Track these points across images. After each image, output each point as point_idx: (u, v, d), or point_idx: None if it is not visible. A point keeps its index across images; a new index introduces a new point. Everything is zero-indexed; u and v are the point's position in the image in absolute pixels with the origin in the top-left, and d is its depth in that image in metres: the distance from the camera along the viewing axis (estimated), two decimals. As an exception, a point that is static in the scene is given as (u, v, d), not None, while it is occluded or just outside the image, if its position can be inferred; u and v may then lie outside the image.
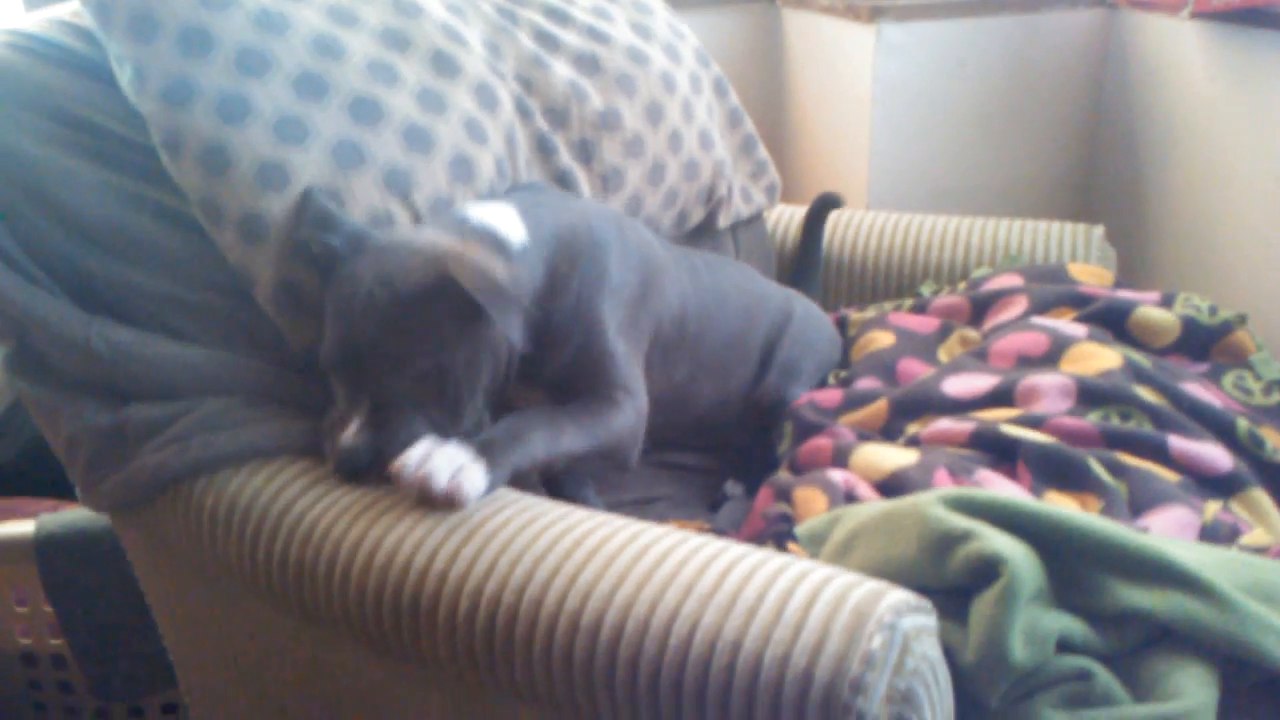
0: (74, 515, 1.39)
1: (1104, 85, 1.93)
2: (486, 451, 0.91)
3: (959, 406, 1.21)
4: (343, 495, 0.92)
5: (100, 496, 1.03)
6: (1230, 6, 1.57)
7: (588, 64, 1.36)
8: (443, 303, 0.93)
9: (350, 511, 0.90)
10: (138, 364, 1.01)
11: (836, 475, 1.05)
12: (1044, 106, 1.91)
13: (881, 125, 1.80)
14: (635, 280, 1.17)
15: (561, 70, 1.33)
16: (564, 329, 1.08)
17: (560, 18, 1.39)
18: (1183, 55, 1.78)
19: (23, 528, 1.40)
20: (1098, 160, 1.98)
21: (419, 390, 0.94)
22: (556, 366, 1.08)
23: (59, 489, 1.49)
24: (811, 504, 1.01)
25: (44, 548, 1.37)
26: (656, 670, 0.75)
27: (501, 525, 0.86)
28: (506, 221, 1.05)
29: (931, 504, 0.87)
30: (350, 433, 0.93)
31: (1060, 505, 0.93)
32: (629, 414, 1.08)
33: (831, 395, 1.32)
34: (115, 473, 1.00)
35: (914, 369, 1.33)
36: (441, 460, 0.88)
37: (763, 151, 1.60)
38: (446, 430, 0.95)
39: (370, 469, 0.92)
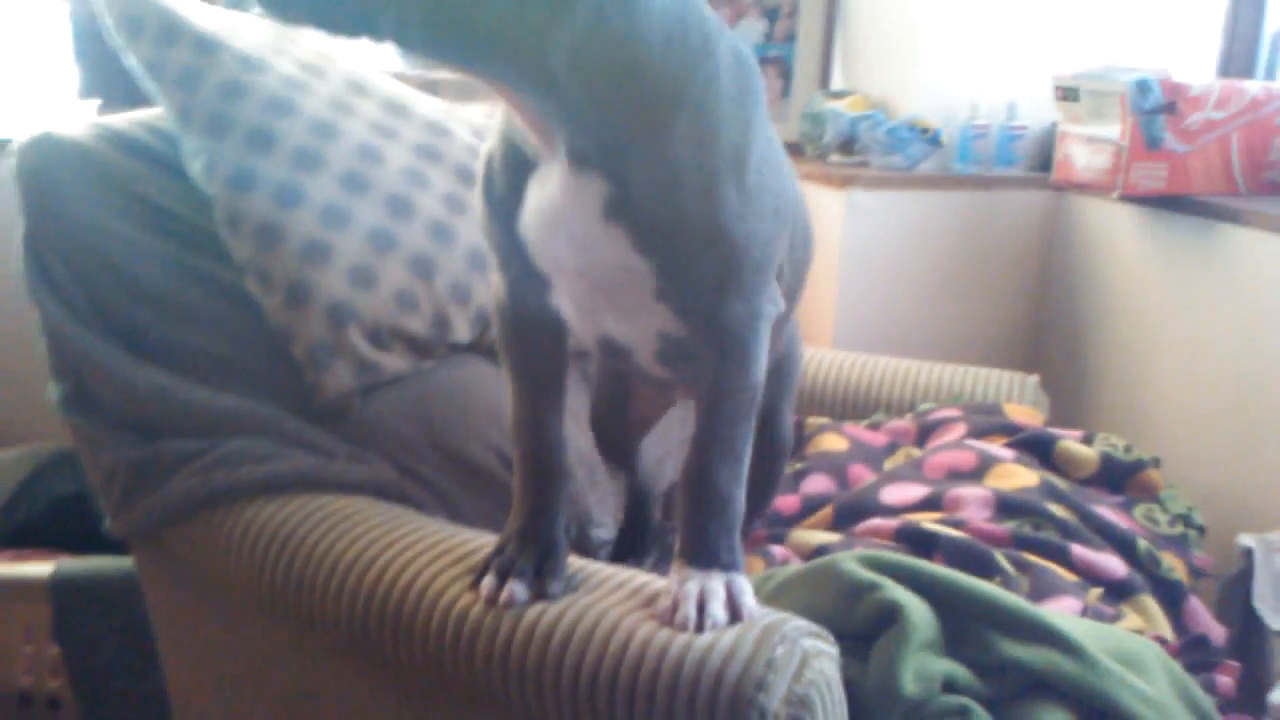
0: (90, 561, 1.52)
1: (1049, 254, 2.14)
2: (728, 565, 0.91)
3: (894, 511, 1.36)
4: (345, 524, 1.06)
5: (131, 520, 1.17)
6: (1153, 192, 1.79)
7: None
8: None
9: (348, 535, 1.04)
10: (176, 406, 1.17)
11: (775, 549, 1.20)
12: (996, 270, 2.11)
13: (848, 277, 2.00)
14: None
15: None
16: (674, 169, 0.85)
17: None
18: (1116, 232, 2.00)
19: (40, 569, 1.52)
20: (1043, 318, 2.17)
21: None
22: (655, 213, 0.85)
23: (76, 547, 1.63)
24: (751, 567, 1.16)
25: (60, 589, 1.50)
26: (596, 670, 0.88)
27: (477, 548, 1.00)
28: None
29: (846, 560, 1.01)
30: None
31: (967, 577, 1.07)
32: (765, 341, 0.94)
33: (790, 501, 1.46)
34: (147, 498, 1.14)
35: (862, 474, 1.48)
36: (715, 605, 0.88)
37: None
38: None
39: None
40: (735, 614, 0.89)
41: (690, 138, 0.84)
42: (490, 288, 1.03)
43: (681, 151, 0.84)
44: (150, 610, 1.29)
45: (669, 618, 0.88)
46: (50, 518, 1.77)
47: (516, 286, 0.96)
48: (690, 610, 0.87)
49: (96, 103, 1.92)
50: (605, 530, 1.41)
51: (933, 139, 2.00)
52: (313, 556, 1.03)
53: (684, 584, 0.90)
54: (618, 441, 1.32)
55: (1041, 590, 1.17)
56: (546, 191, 0.87)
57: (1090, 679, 0.94)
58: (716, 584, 0.90)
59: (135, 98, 1.32)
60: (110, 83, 1.84)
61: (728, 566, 0.91)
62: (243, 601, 1.12)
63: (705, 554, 0.91)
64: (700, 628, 0.87)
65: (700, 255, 0.87)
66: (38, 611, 1.52)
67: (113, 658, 1.48)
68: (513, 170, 0.90)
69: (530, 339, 0.98)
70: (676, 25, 0.82)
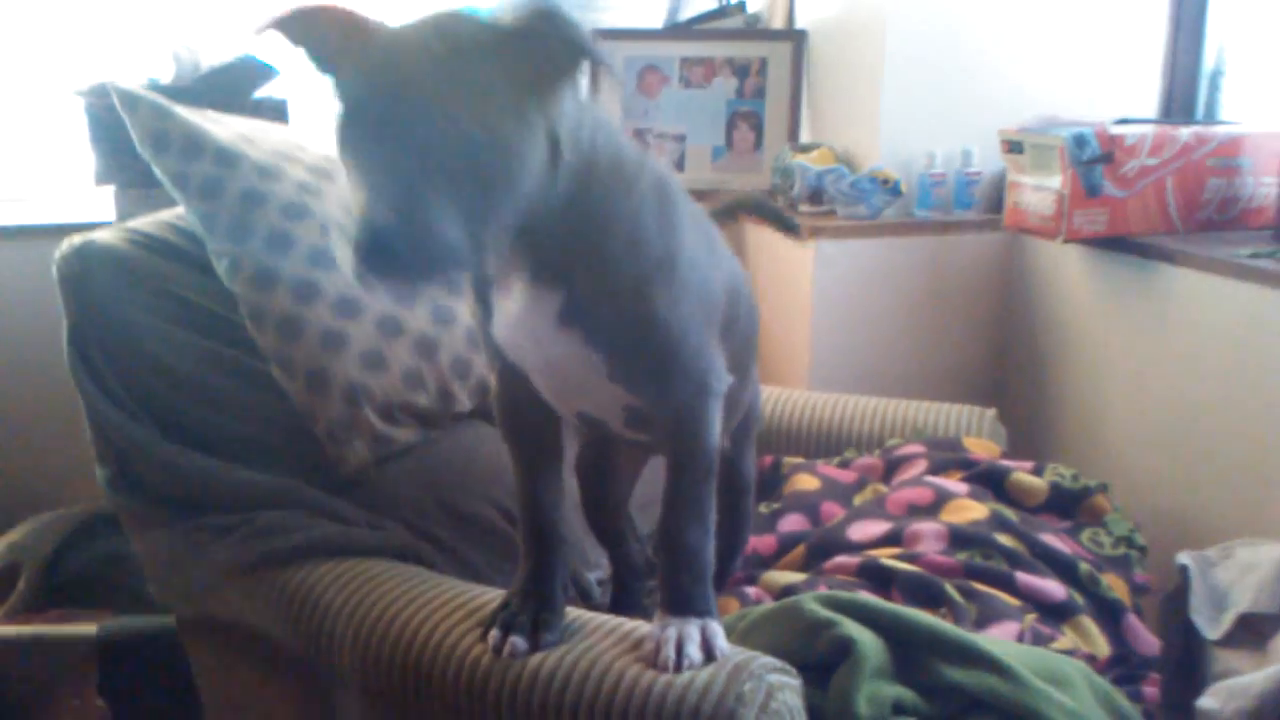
0: (133, 620, 1.66)
1: (1006, 293, 2.29)
2: (702, 611, 1.05)
3: (859, 548, 1.50)
4: (367, 585, 1.20)
5: (174, 589, 1.31)
6: (1094, 235, 1.94)
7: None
8: (503, 59, 0.86)
9: (371, 596, 1.18)
10: (213, 483, 1.31)
11: (749, 589, 1.35)
12: (957, 309, 2.26)
13: (820, 321, 2.15)
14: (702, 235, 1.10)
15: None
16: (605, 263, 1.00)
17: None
18: (1066, 271, 2.15)
19: (86, 629, 1.67)
20: (1002, 353, 2.31)
21: (457, 167, 0.83)
22: (599, 316, 1.00)
23: (117, 603, 1.77)
24: (727, 607, 1.30)
25: (105, 646, 1.64)
26: (591, 708, 1.02)
27: (486, 602, 1.15)
28: None
29: (807, 601, 1.16)
30: (371, 207, 0.81)
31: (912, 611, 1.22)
32: (716, 413, 1.08)
33: (768, 541, 1.61)
34: (190, 568, 1.29)
35: (833, 510, 1.63)
36: (691, 647, 1.01)
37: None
38: (476, 230, 0.85)
39: (403, 262, 0.81)
40: (709, 654, 1.03)
41: (623, 251, 1.00)
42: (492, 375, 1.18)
43: (618, 263, 1.00)
44: (192, 666, 1.43)
45: (652, 660, 1.03)
46: (89, 577, 1.90)
47: (504, 378, 1.12)
48: (670, 652, 1.02)
49: (112, 188, 2.06)
50: (600, 571, 1.55)
51: (893, 189, 2.15)
52: (340, 615, 1.18)
53: (664, 630, 1.04)
54: (602, 508, 1.45)
55: (987, 616, 1.31)
56: (510, 303, 1.03)
57: (1021, 697, 1.09)
58: (693, 629, 1.04)
59: (150, 181, 1.45)
60: (126, 168, 1.99)
61: (702, 613, 1.06)
62: (278, 657, 1.26)
63: (681, 603, 1.06)
64: (679, 668, 1.01)
65: (640, 345, 1.03)
66: (84, 667, 1.66)
67: (157, 711, 1.61)
68: (479, 287, 1.06)
69: (524, 421, 1.14)
70: (612, 164, 0.98)
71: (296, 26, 0.93)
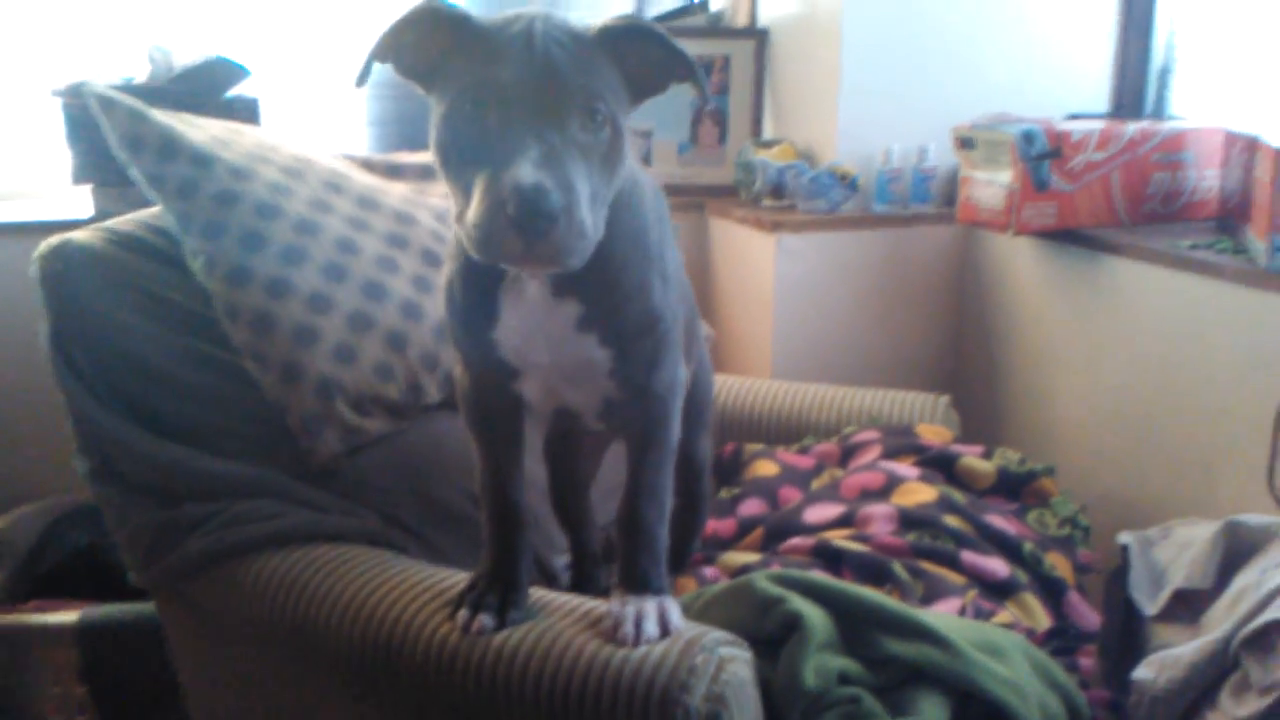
0: (113, 608, 1.71)
1: (961, 284, 2.36)
2: (658, 589, 1.11)
3: (813, 530, 1.57)
4: (341, 569, 1.26)
5: (154, 575, 1.36)
6: (1044, 228, 2.01)
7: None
8: (620, 57, 0.95)
9: (344, 580, 1.24)
10: (190, 474, 1.36)
11: (707, 570, 1.41)
12: (913, 301, 2.32)
13: (781, 313, 2.21)
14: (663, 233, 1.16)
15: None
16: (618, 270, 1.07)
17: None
18: (1017, 263, 2.22)
19: (67, 616, 1.71)
20: (957, 342, 2.39)
21: (592, 150, 0.90)
22: (614, 317, 1.09)
23: (95, 595, 1.81)
24: (685, 587, 1.37)
25: (86, 634, 1.68)
26: (552, 682, 1.08)
27: (453, 585, 1.20)
28: None
29: (759, 579, 1.22)
30: (527, 170, 0.85)
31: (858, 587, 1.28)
32: (680, 402, 1.18)
33: (728, 525, 1.67)
34: (169, 555, 1.33)
35: (792, 495, 1.69)
36: (649, 624, 1.08)
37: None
38: (598, 196, 0.92)
39: (559, 210, 0.85)
40: (665, 630, 1.10)
41: (631, 251, 1.08)
42: (456, 370, 1.24)
43: (627, 264, 1.08)
44: (172, 651, 1.48)
45: (611, 635, 1.09)
46: (70, 568, 1.94)
47: (481, 378, 1.18)
48: (630, 629, 1.09)
49: (89, 186, 2.10)
50: (567, 556, 1.61)
51: (851, 184, 2.21)
52: (314, 599, 1.23)
53: (623, 608, 1.11)
54: (567, 494, 1.53)
55: (933, 593, 1.38)
56: (525, 309, 1.09)
57: (957, 666, 1.15)
58: (649, 606, 1.11)
59: (126, 179, 1.48)
60: (103, 167, 2.02)
61: (658, 591, 1.13)
62: (255, 640, 1.31)
63: (639, 582, 1.13)
64: (637, 642, 1.08)
65: (641, 339, 1.12)
66: (66, 655, 1.70)
67: (138, 696, 1.66)
68: (478, 288, 1.11)
69: (491, 412, 1.20)
70: (629, 167, 1.05)
71: (398, 42, 0.96)
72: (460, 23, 0.94)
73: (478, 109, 0.90)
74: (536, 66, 0.89)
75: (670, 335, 1.15)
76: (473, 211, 0.88)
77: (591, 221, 0.90)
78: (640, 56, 0.96)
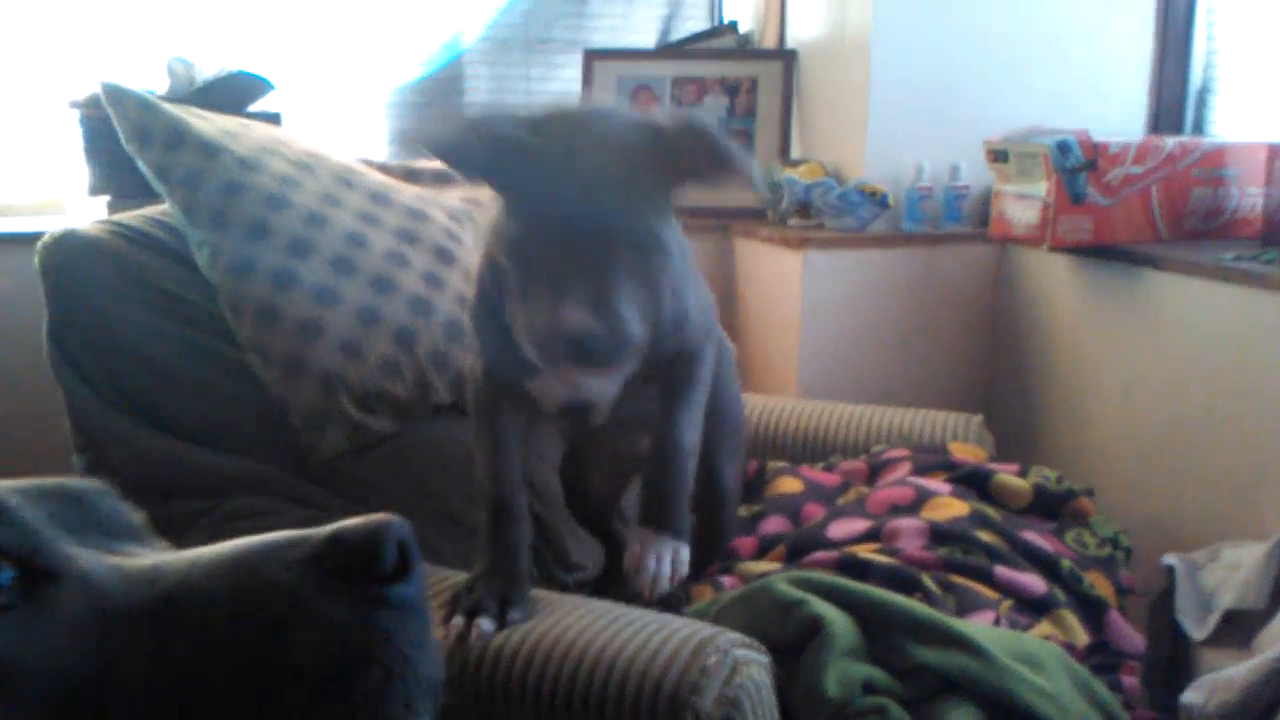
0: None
1: (994, 303, 2.29)
2: (677, 531, 1.12)
3: (838, 544, 1.49)
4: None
5: (147, 574, 1.30)
6: (1080, 243, 1.94)
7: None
8: (655, 157, 0.98)
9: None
10: (185, 469, 1.31)
11: (725, 579, 1.34)
12: (945, 319, 2.26)
13: (808, 331, 2.15)
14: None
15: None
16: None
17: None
18: (1053, 280, 2.15)
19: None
20: (991, 362, 2.31)
21: (635, 267, 0.97)
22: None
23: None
24: (701, 595, 1.29)
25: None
26: (555, 683, 1.01)
27: (450, 588, 1.14)
28: None
29: (778, 581, 1.15)
30: (574, 313, 0.92)
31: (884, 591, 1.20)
32: (711, 352, 1.22)
33: (748, 543, 1.59)
34: (162, 553, 1.28)
35: (815, 512, 1.61)
36: (664, 565, 1.10)
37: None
38: (650, 312, 0.99)
39: (602, 355, 0.94)
40: (672, 575, 1.09)
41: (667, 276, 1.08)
42: (468, 364, 1.23)
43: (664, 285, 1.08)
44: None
45: (636, 565, 1.10)
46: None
47: (494, 372, 1.17)
48: (651, 563, 1.09)
49: (106, 199, 2.08)
50: (585, 573, 1.54)
51: (881, 201, 2.16)
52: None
53: (644, 545, 1.11)
54: (586, 502, 1.51)
55: (965, 606, 1.30)
56: None
57: (992, 677, 1.07)
58: (665, 549, 1.10)
59: (142, 193, 1.47)
60: (119, 180, 2.00)
61: (677, 533, 1.11)
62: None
63: (660, 518, 1.12)
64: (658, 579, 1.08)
65: (674, 329, 1.14)
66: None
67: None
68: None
69: (501, 408, 1.17)
70: None
71: (451, 151, 1.03)
72: (500, 142, 0.98)
73: (518, 234, 0.98)
74: (579, 200, 0.94)
75: (693, 323, 1.18)
76: (529, 318, 0.97)
77: (639, 328, 0.97)
78: (692, 154, 1.00)
